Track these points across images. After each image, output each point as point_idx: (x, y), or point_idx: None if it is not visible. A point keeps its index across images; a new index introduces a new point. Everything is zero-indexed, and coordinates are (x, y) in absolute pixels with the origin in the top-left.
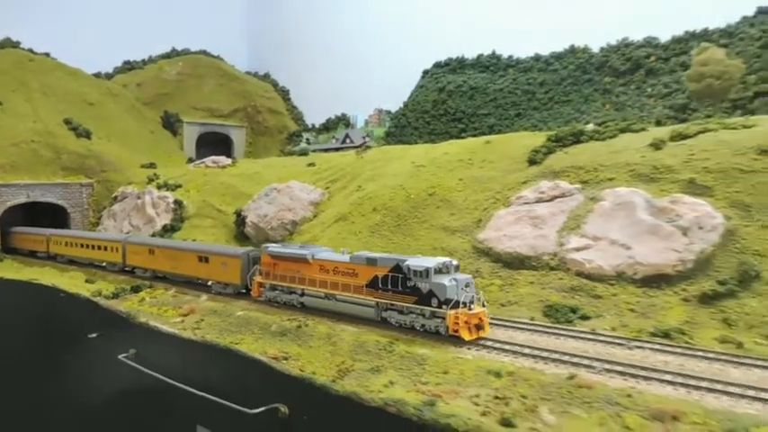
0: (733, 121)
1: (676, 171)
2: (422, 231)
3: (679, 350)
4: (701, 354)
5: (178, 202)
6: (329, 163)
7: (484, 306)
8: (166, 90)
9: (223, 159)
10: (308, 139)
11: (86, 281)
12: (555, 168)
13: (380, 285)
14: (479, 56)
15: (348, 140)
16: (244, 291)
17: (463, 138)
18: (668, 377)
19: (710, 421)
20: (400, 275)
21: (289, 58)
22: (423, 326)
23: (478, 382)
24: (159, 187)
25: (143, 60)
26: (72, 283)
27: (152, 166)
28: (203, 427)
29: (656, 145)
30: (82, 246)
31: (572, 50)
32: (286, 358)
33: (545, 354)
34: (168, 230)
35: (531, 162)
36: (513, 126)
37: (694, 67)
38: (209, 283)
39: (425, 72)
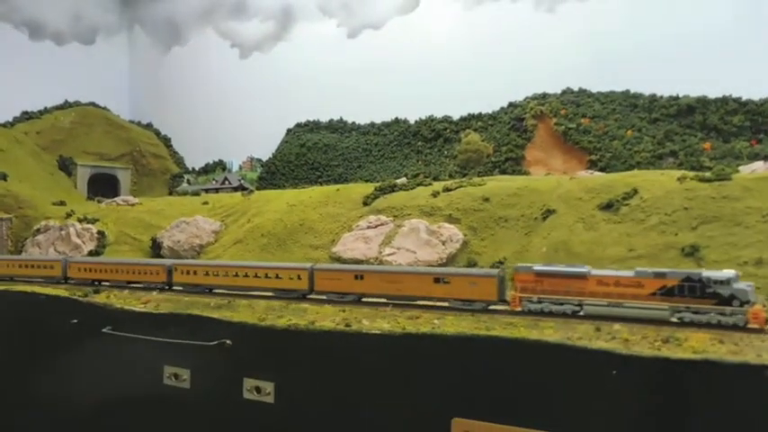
0: (475, 180)
1: (443, 210)
2: (296, 249)
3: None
4: None
5: (101, 232)
6: (220, 202)
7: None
8: (61, 137)
9: (131, 199)
10: (188, 180)
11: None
12: (378, 207)
13: (676, 293)
14: (331, 120)
15: (227, 182)
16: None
17: (320, 183)
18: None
19: (441, 323)
20: (697, 284)
21: (170, 109)
22: (718, 321)
23: (335, 315)
24: (80, 221)
25: (40, 111)
26: (43, 290)
27: (62, 203)
28: (168, 366)
29: (435, 194)
30: (237, 275)
31: (396, 121)
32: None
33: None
34: (94, 254)
35: (365, 203)
36: (356, 175)
37: (461, 145)
38: (449, 302)
39: (289, 130)
